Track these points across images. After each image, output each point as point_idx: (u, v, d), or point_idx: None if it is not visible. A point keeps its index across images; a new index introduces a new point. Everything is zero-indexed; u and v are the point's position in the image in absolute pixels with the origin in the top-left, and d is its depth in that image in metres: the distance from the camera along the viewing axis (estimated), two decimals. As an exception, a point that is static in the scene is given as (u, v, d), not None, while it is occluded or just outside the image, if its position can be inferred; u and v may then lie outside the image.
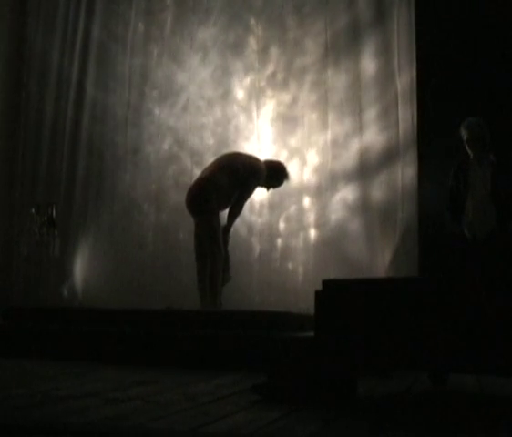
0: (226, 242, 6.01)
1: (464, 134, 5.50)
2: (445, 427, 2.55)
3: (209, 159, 6.44)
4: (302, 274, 6.77)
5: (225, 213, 6.14)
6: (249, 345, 4.35)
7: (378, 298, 3.14)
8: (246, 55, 7.25)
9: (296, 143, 7.02)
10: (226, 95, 7.30)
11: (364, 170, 6.65)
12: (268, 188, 6.23)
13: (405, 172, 6.43)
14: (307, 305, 5.16)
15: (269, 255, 6.94)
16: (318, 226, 6.84)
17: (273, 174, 6.10)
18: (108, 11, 7.70)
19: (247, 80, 7.24)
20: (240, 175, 5.91)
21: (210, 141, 7.22)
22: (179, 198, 6.97)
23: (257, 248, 6.94)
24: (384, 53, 6.67)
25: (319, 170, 6.90)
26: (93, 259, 7.43)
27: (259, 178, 6.02)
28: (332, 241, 6.71)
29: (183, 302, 6.08)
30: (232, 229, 6.19)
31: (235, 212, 6.03)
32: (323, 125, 6.90)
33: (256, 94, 7.19)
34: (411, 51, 6.48)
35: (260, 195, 6.86)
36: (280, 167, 6.17)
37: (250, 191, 6.07)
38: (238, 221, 6.39)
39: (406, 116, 6.48)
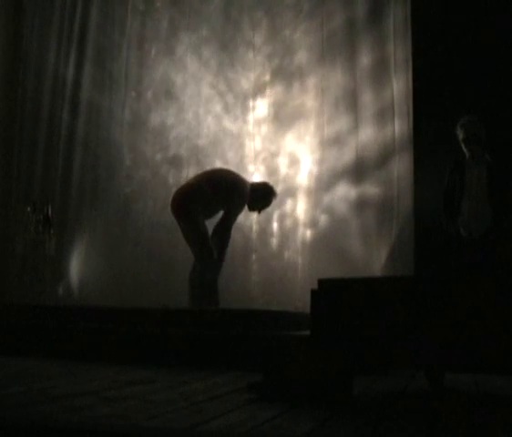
0: (219, 266, 6.02)
1: (460, 133, 5.50)
2: (441, 426, 2.56)
3: (205, 157, 6.45)
4: (297, 273, 6.77)
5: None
6: (245, 344, 4.36)
7: (374, 296, 3.14)
8: (242, 54, 7.25)
9: (292, 141, 7.02)
10: (222, 93, 7.30)
11: (360, 169, 6.65)
12: (259, 210, 6.27)
13: (401, 171, 6.44)
14: (303, 304, 5.17)
15: (265, 253, 6.94)
16: (314, 224, 6.85)
17: (261, 195, 6.18)
18: (104, 10, 7.69)
19: (242, 78, 7.24)
20: (224, 190, 5.96)
21: (206, 139, 7.22)
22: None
23: (253, 247, 6.94)
24: (380, 51, 6.68)
25: (315, 169, 6.91)
26: (89, 257, 7.42)
27: (242, 197, 6.04)
28: (328, 240, 6.71)
29: (179, 301, 6.08)
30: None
31: (225, 234, 6.02)
32: (319, 123, 6.90)
33: (252, 92, 7.19)
34: (407, 49, 6.48)
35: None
36: (266, 189, 6.24)
37: (236, 211, 6.08)
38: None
39: (402, 114, 6.49)
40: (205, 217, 5.99)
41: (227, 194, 5.98)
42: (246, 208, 6.22)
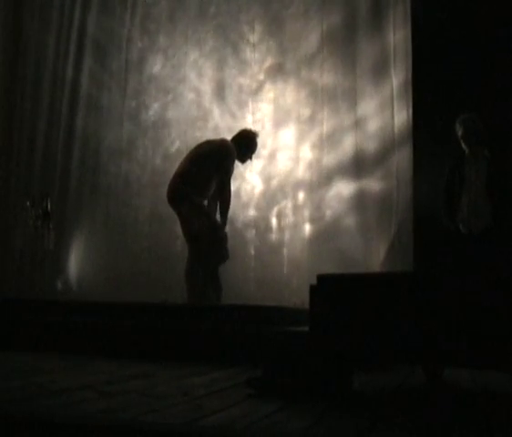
0: (225, 239, 5.99)
1: (459, 130, 5.52)
2: (438, 422, 2.56)
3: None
4: (296, 268, 6.77)
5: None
6: (243, 339, 4.36)
7: (373, 292, 3.14)
8: (241, 50, 7.24)
9: (291, 137, 7.02)
10: (221, 88, 7.30)
11: (360, 165, 6.66)
12: (249, 158, 6.22)
13: (400, 167, 6.44)
14: (302, 299, 5.17)
15: (264, 249, 6.95)
16: (313, 220, 6.85)
17: (246, 144, 6.13)
18: (104, 4, 7.68)
19: (242, 75, 7.23)
20: (213, 159, 5.93)
21: (205, 135, 7.20)
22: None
23: (252, 243, 6.95)
24: (380, 48, 6.67)
25: (314, 165, 6.90)
26: (88, 251, 7.42)
27: (231, 156, 6.02)
28: (327, 236, 6.71)
29: (179, 296, 6.08)
30: (227, 229, 6.14)
31: (225, 201, 6.01)
32: (319, 119, 6.90)
33: (251, 88, 7.19)
34: (406, 46, 6.48)
35: (255, 189, 6.88)
36: (247, 136, 6.20)
37: (228, 172, 6.05)
38: (233, 215, 6.39)
39: (402, 111, 6.49)
40: (201, 198, 5.96)
41: (218, 163, 5.93)
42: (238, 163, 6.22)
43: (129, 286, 6.80)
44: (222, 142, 6.14)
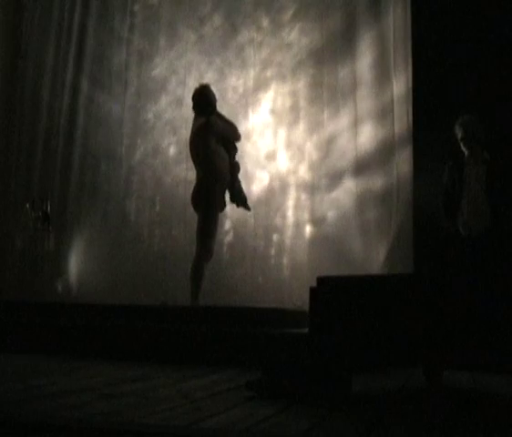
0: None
1: (458, 132, 5.51)
2: (438, 424, 2.56)
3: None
4: (296, 270, 6.76)
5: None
6: (243, 341, 4.36)
7: (373, 294, 3.15)
8: (242, 52, 7.24)
9: (291, 139, 7.02)
10: (222, 90, 7.29)
11: (360, 167, 6.65)
12: (214, 109, 6.05)
13: (400, 169, 6.43)
14: (302, 301, 5.17)
15: (264, 251, 6.94)
16: (313, 222, 6.85)
17: (205, 103, 5.98)
18: (104, 6, 7.68)
19: (243, 76, 7.23)
20: (207, 146, 5.82)
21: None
22: (174, 193, 6.98)
23: (252, 245, 6.94)
24: (380, 50, 6.67)
25: (314, 167, 6.90)
26: (87, 253, 7.41)
27: (211, 133, 5.86)
28: (327, 238, 6.71)
29: (178, 298, 6.08)
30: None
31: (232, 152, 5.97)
32: (319, 122, 6.90)
33: (251, 89, 7.18)
34: (406, 48, 6.48)
35: (256, 190, 6.88)
36: (200, 93, 6.02)
37: (226, 137, 5.95)
38: (232, 217, 6.39)
39: (402, 113, 6.48)
40: (223, 192, 5.89)
41: (206, 149, 5.82)
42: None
43: (129, 288, 6.80)
44: (202, 127, 5.95)
